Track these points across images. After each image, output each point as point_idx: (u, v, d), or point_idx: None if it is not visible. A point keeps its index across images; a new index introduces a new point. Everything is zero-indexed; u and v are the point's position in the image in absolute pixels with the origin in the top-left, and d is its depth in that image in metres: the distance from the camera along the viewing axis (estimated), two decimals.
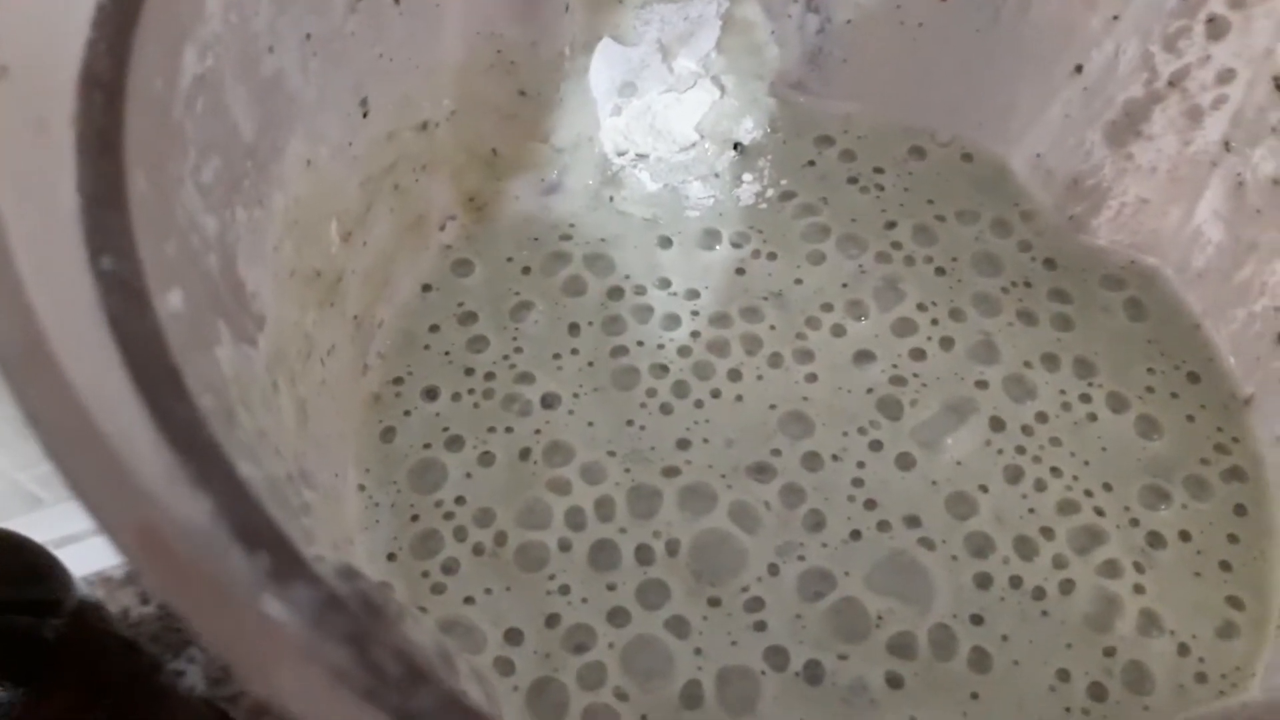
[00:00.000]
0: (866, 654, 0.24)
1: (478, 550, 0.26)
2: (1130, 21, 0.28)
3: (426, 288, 0.30)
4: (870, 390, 0.28)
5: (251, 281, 0.20)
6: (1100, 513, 0.26)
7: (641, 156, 0.32)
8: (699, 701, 0.24)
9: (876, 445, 0.27)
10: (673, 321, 0.29)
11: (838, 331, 0.29)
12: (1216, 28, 0.27)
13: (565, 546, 0.26)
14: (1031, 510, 0.26)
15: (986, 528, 0.26)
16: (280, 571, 0.11)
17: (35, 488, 0.36)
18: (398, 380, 0.28)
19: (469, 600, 0.25)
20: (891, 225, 0.31)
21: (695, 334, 0.29)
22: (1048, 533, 0.26)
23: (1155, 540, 0.26)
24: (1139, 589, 0.25)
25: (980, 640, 0.25)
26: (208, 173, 0.18)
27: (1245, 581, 0.26)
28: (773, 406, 0.28)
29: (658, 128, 0.32)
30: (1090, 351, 0.29)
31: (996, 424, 0.28)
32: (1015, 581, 0.25)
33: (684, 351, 0.29)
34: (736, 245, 0.31)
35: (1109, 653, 0.25)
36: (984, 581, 0.25)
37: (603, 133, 0.32)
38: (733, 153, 0.33)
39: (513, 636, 0.24)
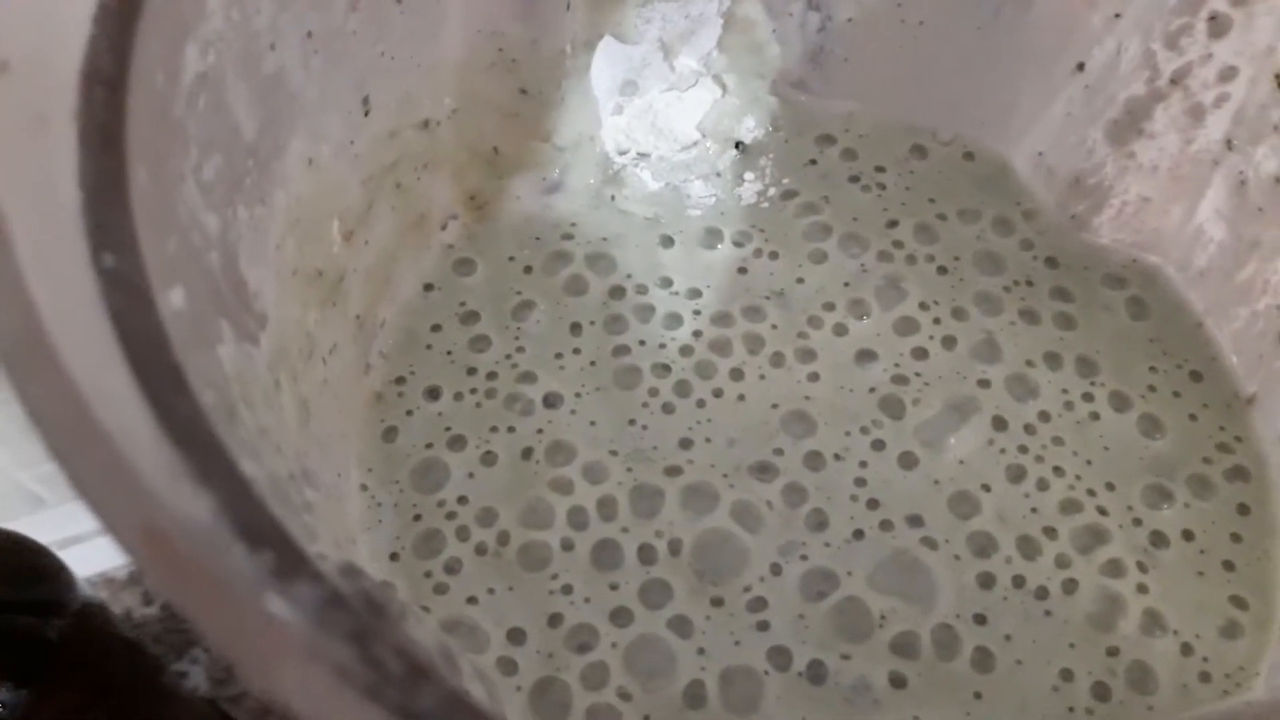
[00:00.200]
0: (869, 654, 0.24)
1: (480, 550, 0.25)
2: (1132, 19, 0.28)
3: (428, 287, 0.30)
4: (872, 389, 0.28)
5: (253, 280, 0.20)
6: (1103, 512, 0.26)
7: (643, 155, 0.32)
8: (702, 701, 0.24)
9: (879, 444, 0.27)
10: (675, 321, 0.29)
11: (840, 330, 0.29)
12: (1218, 25, 0.27)
13: (568, 546, 0.26)
14: (1034, 510, 0.26)
15: (989, 527, 0.26)
16: (283, 569, 0.11)
17: (38, 488, 0.36)
18: (400, 380, 0.28)
19: (472, 600, 0.25)
20: (893, 224, 0.31)
21: (697, 333, 0.29)
22: (1050, 532, 0.26)
23: (1158, 540, 0.26)
24: (1142, 588, 0.25)
25: (983, 640, 0.25)
26: (209, 170, 0.18)
27: (1249, 581, 0.26)
28: (775, 406, 0.28)
29: (659, 126, 0.32)
30: (1092, 350, 0.29)
31: (999, 423, 0.27)
32: (1018, 581, 0.25)
33: (686, 351, 0.29)
34: (738, 244, 0.31)
35: (1112, 652, 0.25)
36: (987, 581, 0.25)
37: (604, 131, 0.32)
38: (734, 151, 0.32)
39: (515, 636, 0.24)
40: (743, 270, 0.30)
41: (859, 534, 0.26)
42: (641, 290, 0.30)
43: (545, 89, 0.30)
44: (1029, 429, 0.27)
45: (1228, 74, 0.27)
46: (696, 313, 0.29)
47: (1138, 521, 0.26)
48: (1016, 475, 0.27)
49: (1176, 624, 0.25)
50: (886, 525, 0.26)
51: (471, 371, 0.28)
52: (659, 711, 0.24)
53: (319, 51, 0.23)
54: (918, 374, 0.28)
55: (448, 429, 0.27)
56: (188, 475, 0.12)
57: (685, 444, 0.27)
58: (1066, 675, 0.24)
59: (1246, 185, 0.28)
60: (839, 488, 0.26)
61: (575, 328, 0.29)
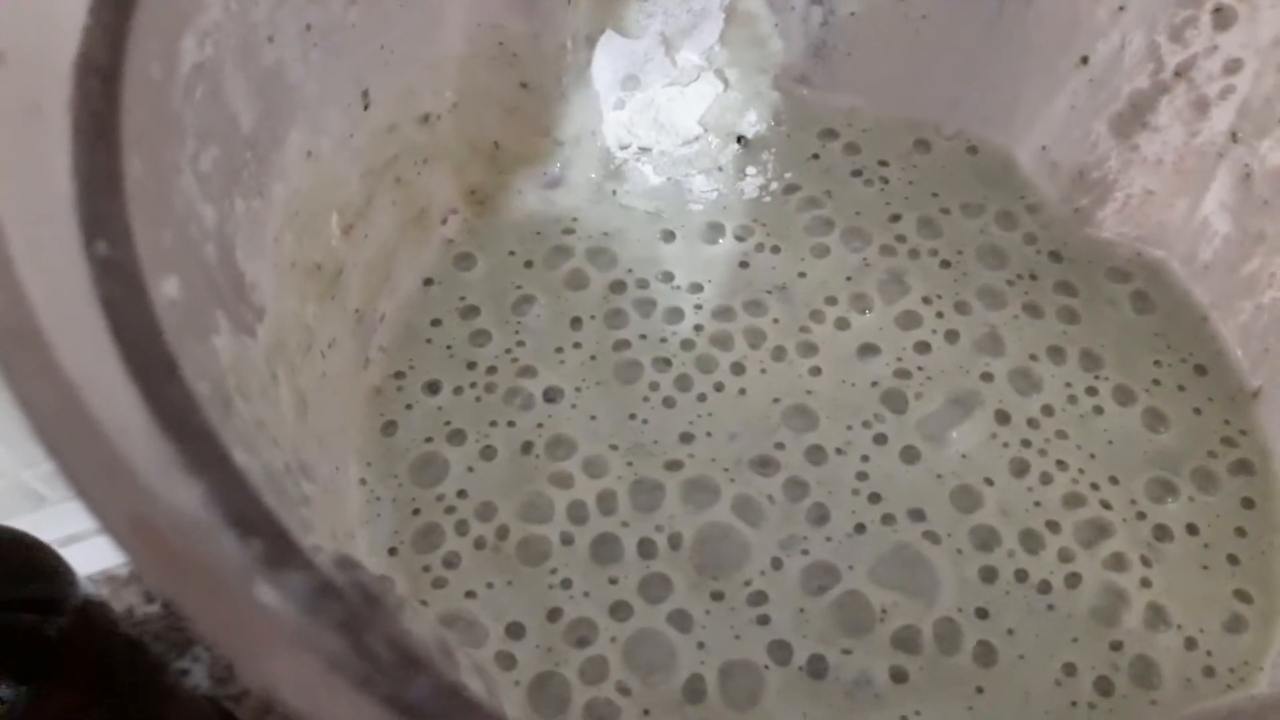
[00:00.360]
0: (871, 648, 0.24)
1: (479, 544, 0.25)
2: (1136, 12, 0.28)
3: (428, 281, 0.29)
4: (875, 383, 0.28)
5: (251, 272, 0.20)
6: (1107, 506, 0.26)
7: (644, 150, 0.32)
8: (702, 696, 0.24)
9: (881, 438, 0.27)
10: (676, 315, 0.29)
11: (842, 325, 0.29)
12: (1223, 18, 0.27)
13: (567, 540, 0.25)
14: (1037, 503, 0.26)
15: (992, 521, 0.26)
16: (273, 558, 0.11)
17: (40, 486, 0.36)
18: (399, 374, 0.28)
19: (470, 594, 0.25)
20: (896, 218, 0.31)
21: (698, 327, 0.29)
22: (1054, 526, 0.26)
23: (1162, 534, 0.26)
24: (1146, 583, 0.25)
25: (986, 634, 0.24)
26: (206, 162, 0.18)
27: (1253, 575, 0.25)
28: (776, 400, 0.28)
29: (661, 121, 0.32)
30: (1097, 344, 0.29)
31: (1002, 417, 0.27)
32: (1021, 575, 0.25)
33: (687, 345, 0.29)
34: (740, 239, 0.31)
35: (1116, 647, 0.24)
36: (989, 575, 0.25)
37: (605, 126, 0.32)
38: (736, 146, 0.32)
39: (514, 631, 0.24)
40: (744, 265, 0.30)
41: (860, 528, 0.26)
42: (642, 285, 0.30)
43: (546, 83, 0.30)
44: (1032, 423, 0.27)
45: (1233, 66, 0.27)
46: (698, 307, 0.29)
47: (1141, 515, 0.26)
48: (1019, 469, 0.27)
49: (1180, 618, 0.25)
50: (888, 519, 0.26)
51: (471, 366, 0.28)
52: (658, 706, 0.23)
53: (318, 44, 0.23)
54: (920, 368, 0.28)
55: (447, 423, 0.27)
56: (179, 464, 0.12)
57: (686, 438, 0.27)
58: (1069, 670, 0.24)
59: (1251, 178, 0.27)
60: (840, 482, 0.26)
61: (576, 322, 0.29)
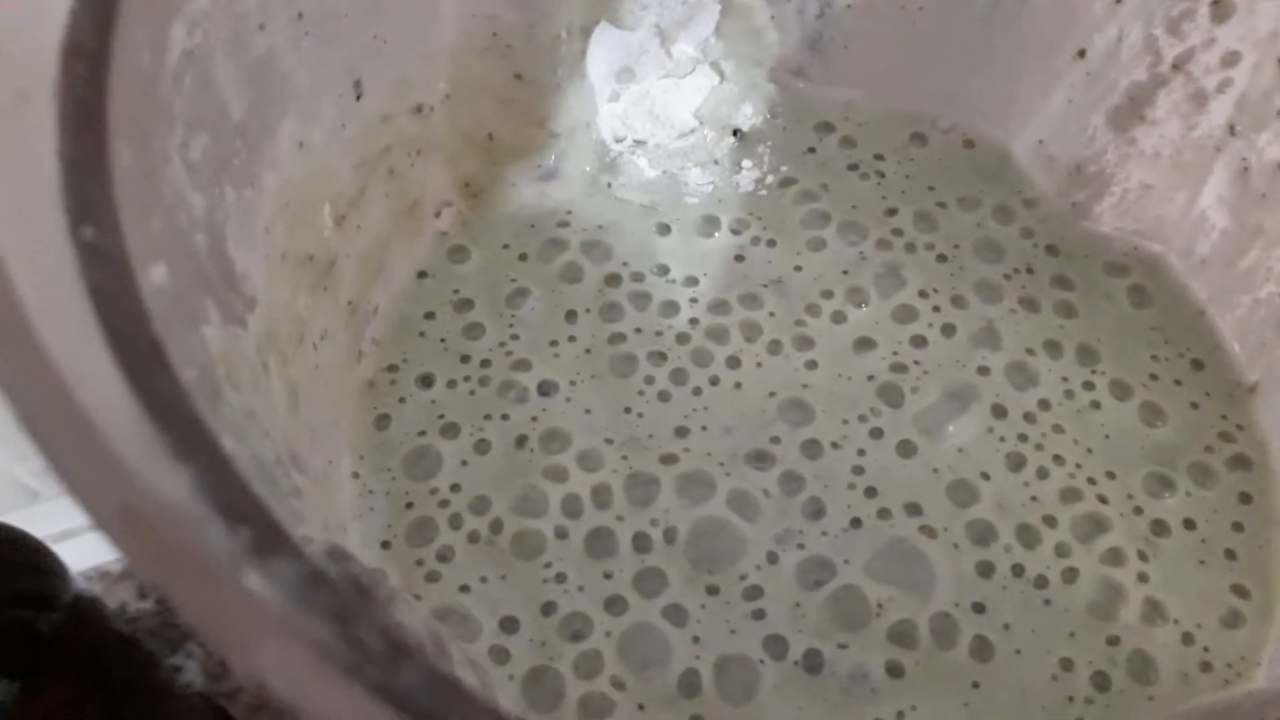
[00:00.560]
0: (867, 643, 0.24)
1: (473, 538, 0.25)
2: (1133, 5, 0.28)
3: (422, 274, 0.29)
4: (871, 377, 0.28)
5: (241, 262, 0.20)
6: (1103, 501, 0.26)
7: (640, 143, 0.32)
8: (697, 690, 0.23)
9: (877, 433, 0.27)
10: (671, 308, 0.29)
11: (838, 318, 0.29)
12: (1221, 10, 0.27)
13: (562, 534, 0.25)
14: (1034, 498, 0.26)
15: (988, 515, 0.26)
16: (261, 546, 0.11)
17: (32, 482, 0.36)
18: (392, 367, 0.28)
19: (464, 588, 0.25)
20: (892, 212, 0.31)
21: (694, 321, 0.29)
22: (1050, 521, 0.26)
23: (1159, 528, 0.26)
24: (1143, 578, 0.25)
25: (982, 629, 0.24)
26: (196, 150, 0.18)
27: (1250, 570, 0.25)
28: (772, 394, 0.27)
29: (656, 114, 0.32)
30: (1093, 339, 0.28)
31: (998, 411, 0.27)
32: (1017, 570, 0.25)
33: (682, 339, 0.28)
34: (736, 232, 0.30)
35: (1112, 642, 0.24)
36: (986, 570, 0.25)
37: (600, 118, 0.31)
38: (732, 139, 0.32)
39: (508, 625, 0.24)
40: (740, 258, 0.30)
41: (856, 522, 0.26)
42: (638, 278, 0.29)
43: (541, 75, 0.30)
44: (1029, 417, 0.27)
45: (1230, 59, 0.27)
46: (693, 300, 0.29)
47: (1138, 510, 0.26)
48: (1016, 463, 0.26)
49: (1177, 613, 0.25)
50: (884, 513, 0.26)
51: (465, 359, 0.28)
52: (653, 701, 0.23)
53: (310, 33, 0.22)
54: (917, 362, 0.28)
55: (441, 416, 0.27)
56: (166, 451, 0.12)
57: (681, 432, 0.27)
58: (1066, 665, 0.24)
59: (1249, 171, 0.27)
60: (836, 476, 0.26)
61: (570, 315, 0.29)
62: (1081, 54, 0.29)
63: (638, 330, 0.29)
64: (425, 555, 0.25)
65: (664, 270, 0.30)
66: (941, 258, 0.30)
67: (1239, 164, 0.27)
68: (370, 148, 0.26)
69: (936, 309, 0.29)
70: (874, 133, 0.32)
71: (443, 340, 0.28)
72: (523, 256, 0.30)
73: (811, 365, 0.28)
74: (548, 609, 0.24)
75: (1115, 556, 0.25)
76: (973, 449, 0.27)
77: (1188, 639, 0.24)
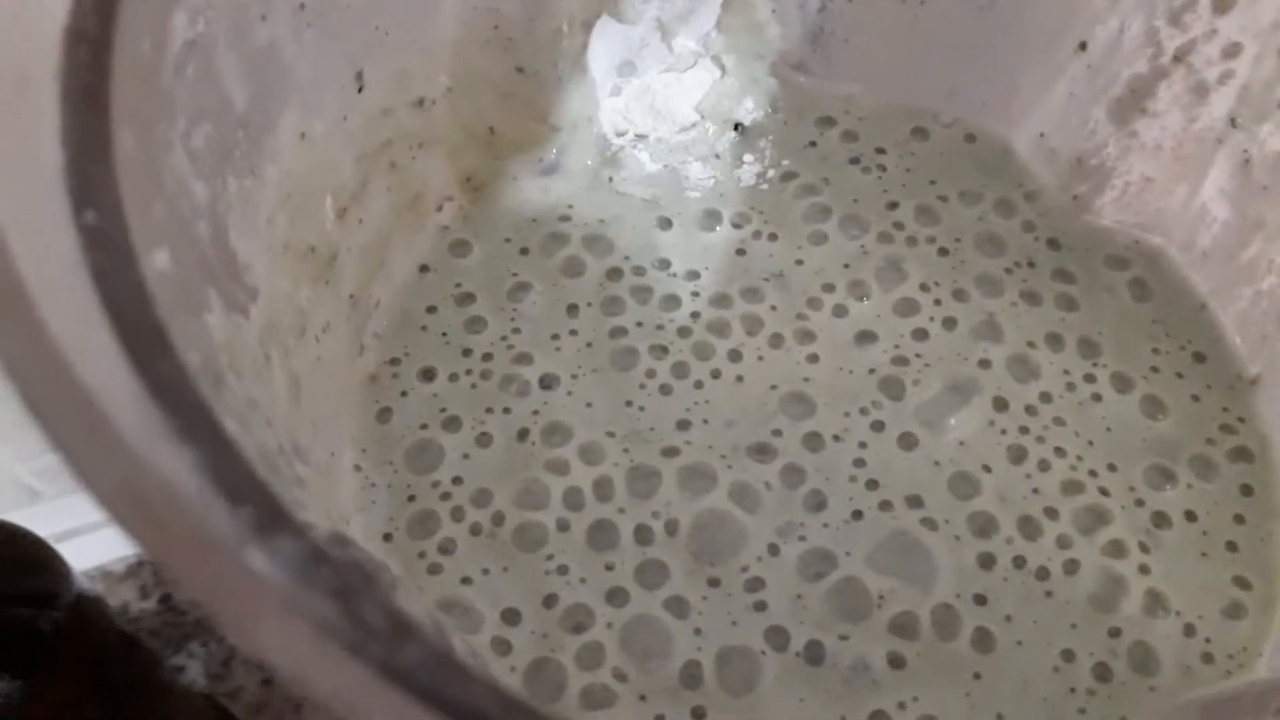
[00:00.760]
0: (868, 634, 0.24)
1: (475, 531, 0.25)
2: None
3: (424, 268, 0.29)
4: (872, 370, 0.28)
5: (244, 252, 0.20)
6: (1105, 493, 0.26)
7: (641, 137, 0.32)
8: (698, 682, 0.24)
9: (878, 425, 0.27)
10: (672, 302, 0.29)
11: (839, 312, 0.29)
12: (1222, 1, 0.27)
13: (563, 527, 0.25)
14: (1035, 490, 0.26)
15: (990, 508, 0.26)
16: (264, 525, 0.11)
17: (34, 481, 0.36)
18: (394, 361, 0.28)
19: (466, 581, 0.25)
20: (894, 206, 0.31)
21: (695, 315, 0.29)
22: (1052, 513, 0.26)
23: (1161, 520, 0.26)
24: (1144, 569, 0.25)
25: (984, 620, 0.24)
26: (198, 139, 0.18)
27: (1251, 562, 0.25)
28: (773, 387, 0.27)
29: (657, 108, 0.32)
30: (1094, 332, 0.29)
31: (1000, 404, 0.27)
32: (1019, 562, 0.25)
33: (684, 332, 0.28)
34: (737, 226, 0.30)
35: (1114, 633, 0.24)
36: (987, 562, 0.25)
37: (602, 112, 0.31)
38: (733, 133, 0.32)
39: (510, 617, 0.24)
40: (741, 252, 0.30)
41: (858, 514, 0.26)
42: (639, 272, 0.29)
43: (542, 68, 0.30)
44: (1030, 410, 0.27)
45: (1232, 50, 0.27)
46: (695, 294, 0.29)
47: (1140, 502, 0.26)
48: (1017, 456, 0.26)
49: (1179, 605, 0.25)
50: (886, 506, 0.26)
51: (467, 353, 0.28)
52: (655, 692, 0.23)
53: (312, 25, 0.22)
54: (918, 355, 0.28)
55: (443, 410, 0.27)
56: (168, 431, 0.12)
57: (683, 425, 0.27)
58: (1068, 656, 0.24)
59: (1251, 164, 0.27)
60: (838, 468, 0.26)
61: (572, 309, 0.29)
62: (1083, 46, 0.29)
63: (639, 324, 0.29)
64: (427, 548, 0.25)
65: (665, 264, 0.30)
66: (943, 251, 0.30)
67: (1240, 156, 0.27)
68: (372, 140, 0.26)
69: (938, 302, 0.29)
70: (875, 126, 0.32)
71: (444, 334, 0.28)
72: (524, 250, 0.30)
73: (813, 358, 0.28)
74: (549, 601, 0.24)
75: (1117, 548, 0.25)
76: (974, 441, 0.27)
77: (1189, 630, 0.24)
